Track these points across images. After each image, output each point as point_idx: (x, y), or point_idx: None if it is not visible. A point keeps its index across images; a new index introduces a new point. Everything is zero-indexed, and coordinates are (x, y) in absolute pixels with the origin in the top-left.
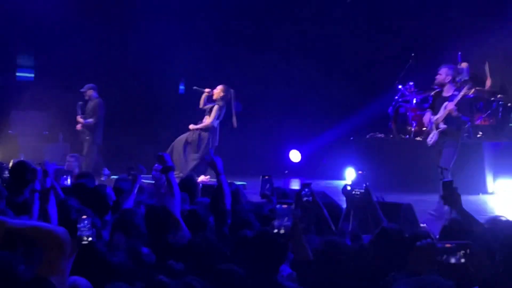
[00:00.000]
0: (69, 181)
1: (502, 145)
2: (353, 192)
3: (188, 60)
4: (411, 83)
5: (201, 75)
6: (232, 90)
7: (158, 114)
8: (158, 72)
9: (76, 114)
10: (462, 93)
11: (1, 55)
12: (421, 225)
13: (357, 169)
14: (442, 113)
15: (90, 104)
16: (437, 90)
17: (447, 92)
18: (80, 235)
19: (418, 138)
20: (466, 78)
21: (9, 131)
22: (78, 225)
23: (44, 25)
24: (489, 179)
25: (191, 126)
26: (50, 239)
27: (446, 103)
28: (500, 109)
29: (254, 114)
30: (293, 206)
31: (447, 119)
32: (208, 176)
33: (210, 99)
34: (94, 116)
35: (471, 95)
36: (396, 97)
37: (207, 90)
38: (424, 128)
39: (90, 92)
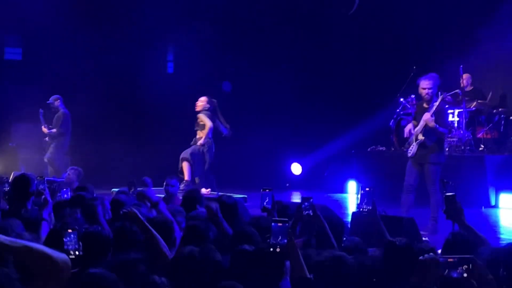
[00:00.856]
0: (69, 193)
1: (505, 159)
2: (361, 210)
3: (188, 72)
4: (412, 96)
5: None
6: (214, 100)
7: (159, 125)
8: (155, 80)
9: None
10: (437, 103)
11: None
12: (424, 238)
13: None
14: (421, 124)
15: (56, 115)
16: (420, 101)
17: (428, 103)
18: (67, 248)
19: None
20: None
21: (9, 144)
22: (64, 239)
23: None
24: (491, 192)
25: (200, 142)
26: (48, 266)
27: (426, 114)
28: (502, 122)
29: (255, 126)
30: (288, 224)
31: (426, 131)
32: (209, 189)
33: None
34: (59, 126)
35: (473, 108)
36: (398, 110)
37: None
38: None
39: (56, 103)
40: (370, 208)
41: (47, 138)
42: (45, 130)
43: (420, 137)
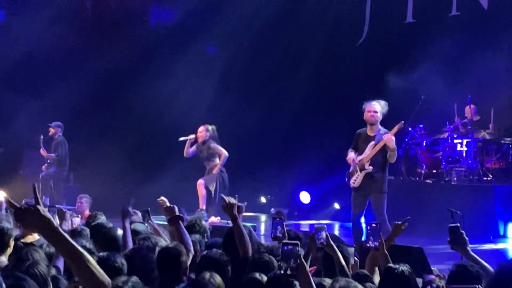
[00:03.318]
0: (79, 221)
1: None
2: (368, 245)
3: (190, 92)
4: (421, 126)
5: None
6: (213, 126)
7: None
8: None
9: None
10: (397, 127)
11: None
12: (433, 268)
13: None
14: (368, 153)
15: (54, 142)
16: (361, 129)
17: (373, 130)
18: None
19: (428, 181)
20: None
21: (20, 172)
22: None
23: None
24: (500, 222)
25: (215, 171)
26: (94, 283)
27: (372, 142)
28: (511, 152)
29: (264, 153)
30: (298, 248)
31: (373, 162)
32: (218, 218)
33: (193, 144)
34: (56, 152)
35: (481, 138)
36: (406, 139)
37: (191, 136)
38: (434, 171)
39: (56, 129)
40: (377, 244)
41: (44, 166)
42: (44, 153)
43: (368, 166)
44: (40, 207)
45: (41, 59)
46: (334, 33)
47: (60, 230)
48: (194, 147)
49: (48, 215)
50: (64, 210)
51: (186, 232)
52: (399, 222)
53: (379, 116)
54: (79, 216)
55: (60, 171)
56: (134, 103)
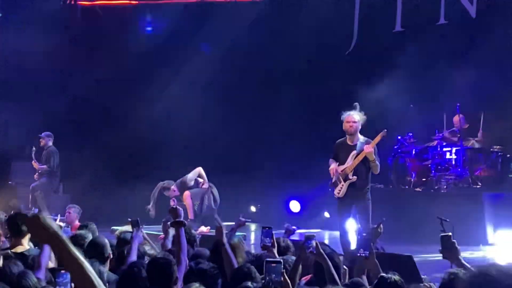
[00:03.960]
0: (70, 232)
1: (503, 196)
2: (359, 254)
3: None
4: (410, 134)
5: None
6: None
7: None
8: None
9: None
10: (380, 135)
11: None
12: (423, 276)
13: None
14: (351, 163)
15: (45, 152)
16: (340, 139)
17: (353, 140)
18: None
19: (417, 189)
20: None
21: (9, 182)
22: (57, 279)
23: None
24: (489, 230)
25: (205, 187)
26: None
27: (353, 152)
28: (500, 160)
29: (254, 162)
30: (282, 265)
31: (356, 171)
32: (208, 227)
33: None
34: (48, 163)
35: (470, 147)
36: (396, 148)
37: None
38: (424, 179)
39: (45, 140)
40: (368, 253)
41: (36, 175)
42: (36, 165)
43: (351, 176)
44: (42, 215)
45: (30, 68)
46: (323, 42)
47: (63, 238)
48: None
49: (51, 223)
50: None
51: (185, 240)
52: (375, 226)
53: (358, 125)
54: (69, 226)
55: (51, 181)
56: (124, 112)
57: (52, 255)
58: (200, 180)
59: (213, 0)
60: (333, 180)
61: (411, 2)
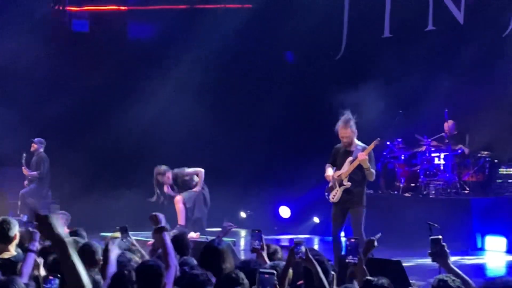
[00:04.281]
0: None
1: (491, 202)
2: (347, 260)
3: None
4: (399, 140)
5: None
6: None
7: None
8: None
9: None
10: (373, 144)
11: None
12: (411, 281)
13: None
14: (346, 169)
15: (35, 158)
16: (339, 144)
17: (350, 146)
18: None
19: (406, 194)
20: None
21: None
22: (45, 285)
23: None
24: (477, 235)
25: (195, 190)
26: None
27: (350, 158)
28: (487, 165)
29: (244, 168)
30: (275, 277)
31: (351, 177)
32: (198, 233)
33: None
34: (38, 170)
35: (458, 151)
36: (385, 153)
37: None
38: (413, 184)
39: (38, 146)
40: (356, 259)
41: (25, 182)
42: (26, 171)
43: (346, 182)
44: (51, 216)
45: (19, 74)
46: (312, 48)
47: (66, 242)
48: (170, 190)
49: (58, 225)
50: (31, 229)
51: (170, 244)
52: (373, 238)
53: (352, 136)
54: None
55: (40, 188)
56: (113, 118)
57: (41, 264)
58: (196, 179)
59: (202, 6)
60: (329, 185)
61: (399, 8)
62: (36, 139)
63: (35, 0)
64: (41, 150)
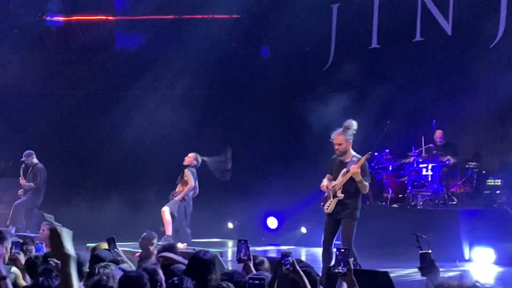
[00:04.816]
0: (44, 249)
1: (478, 213)
2: (336, 271)
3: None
4: (387, 151)
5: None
6: (202, 159)
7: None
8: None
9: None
10: (364, 158)
11: None
12: None
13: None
14: (340, 180)
15: (32, 170)
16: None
17: (345, 157)
18: None
19: (394, 205)
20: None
21: None
22: None
23: None
24: (465, 246)
25: (178, 198)
26: None
27: (344, 169)
28: (475, 176)
29: (232, 179)
30: (265, 282)
31: (346, 189)
32: (185, 244)
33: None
34: (35, 181)
35: (446, 162)
36: (373, 164)
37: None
38: (400, 195)
39: (30, 158)
40: (346, 270)
41: (20, 191)
42: (23, 182)
43: (339, 194)
44: (62, 231)
45: (7, 85)
46: (300, 59)
47: (71, 259)
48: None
49: (66, 241)
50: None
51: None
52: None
53: (346, 145)
54: (43, 243)
55: (35, 198)
56: (99, 128)
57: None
58: (181, 189)
59: (190, 16)
60: (325, 195)
61: (387, 19)
62: (24, 153)
63: (23, 10)
64: (35, 161)
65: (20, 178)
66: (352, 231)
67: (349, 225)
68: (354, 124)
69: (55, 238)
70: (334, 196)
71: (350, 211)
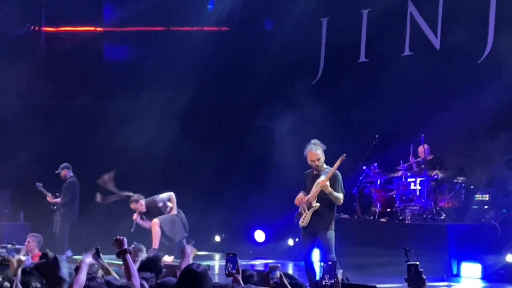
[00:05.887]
0: (30, 261)
1: (466, 228)
2: (324, 283)
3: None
4: (375, 164)
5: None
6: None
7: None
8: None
9: (40, 194)
10: (339, 160)
11: None
12: None
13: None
14: (313, 191)
15: (65, 184)
16: (309, 169)
17: (319, 170)
18: None
19: (382, 219)
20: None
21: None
22: None
23: None
24: (453, 261)
25: (172, 212)
26: None
27: (317, 180)
28: (463, 191)
29: (219, 193)
30: None
31: (320, 199)
32: (172, 257)
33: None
34: (65, 195)
35: (434, 177)
36: (361, 178)
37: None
38: (389, 210)
39: (64, 171)
40: (333, 281)
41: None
42: (50, 199)
43: (314, 204)
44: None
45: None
46: (289, 72)
47: (67, 280)
48: (144, 221)
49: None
50: None
51: (133, 266)
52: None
53: (323, 158)
54: (28, 254)
55: (67, 215)
56: (87, 140)
57: None
58: (170, 205)
59: (179, 28)
60: (299, 211)
61: (376, 33)
62: (60, 167)
63: (10, 20)
64: (70, 175)
65: (47, 196)
66: (331, 242)
67: (327, 236)
68: (316, 140)
69: (50, 264)
70: (309, 207)
71: (325, 223)
